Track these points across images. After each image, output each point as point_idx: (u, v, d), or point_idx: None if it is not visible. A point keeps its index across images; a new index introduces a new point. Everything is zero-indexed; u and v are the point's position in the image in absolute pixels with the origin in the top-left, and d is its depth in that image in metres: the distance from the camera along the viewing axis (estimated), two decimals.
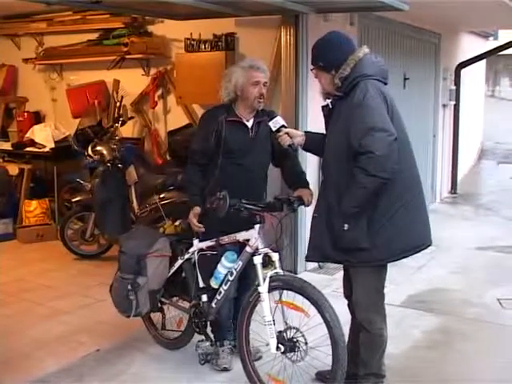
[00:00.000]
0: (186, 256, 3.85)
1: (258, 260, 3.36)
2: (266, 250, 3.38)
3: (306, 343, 3.27)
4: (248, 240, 3.44)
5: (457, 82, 9.97)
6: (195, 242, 3.79)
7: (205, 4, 5.29)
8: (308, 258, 3.40)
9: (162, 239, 3.92)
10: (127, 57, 7.02)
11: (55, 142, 7.53)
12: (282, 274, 3.36)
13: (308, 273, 5.82)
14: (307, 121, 5.85)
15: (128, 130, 7.36)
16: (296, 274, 5.72)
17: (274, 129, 3.49)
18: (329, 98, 3.31)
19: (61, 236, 6.47)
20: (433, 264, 6.46)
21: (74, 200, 6.48)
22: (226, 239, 3.57)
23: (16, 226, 7.42)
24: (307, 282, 3.26)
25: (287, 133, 3.46)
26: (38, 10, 7.72)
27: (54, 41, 8.10)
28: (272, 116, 3.53)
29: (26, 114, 7.98)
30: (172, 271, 3.94)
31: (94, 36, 7.53)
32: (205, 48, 6.59)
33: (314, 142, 3.51)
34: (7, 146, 7.85)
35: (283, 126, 3.48)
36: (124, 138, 6.98)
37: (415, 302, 5.27)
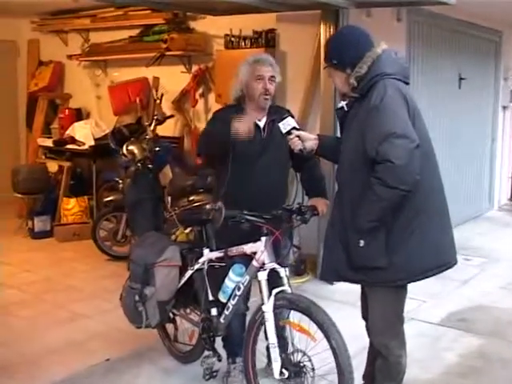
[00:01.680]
0: (196, 266, 3.59)
1: (262, 276, 3.08)
2: (273, 264, 3.10)
3: (314, 369, 2.97)
4: (255, 253, 3.17)
5: None
6: (205, 251, 3.53)
7: None
8: (322, 277, 3.10)
9: (171, 247, 3.68)
10: (167, 53, 6.84)
11: (95, 140, 7.41)
12: (289, 292, 3.07)
13: None
14: None
15: (169, 129, 7.19)
16: None
17: (283, 131, 3.18)
18: (344, 100, 3.00)
19: (93, 236, 6.35)
20: (481, 277, 6.01)
21: (105, 200, 6.35)
22: (234, 250, 3.30)
23: (54, 223, 7.36)
24: (314, 303, 2.96)
25: (298, 136, 3.15)
26: (83, 6, 7.67)
27: (99, 37, 8.03)
28: (283, 116, 3.23)
29: (67, 110, 7.92)
30: (182, 282, 3.70)
31: (136, 32, 7.40)
32: (245, 45, 6.37)
33: (328, 147, 3.20)
34: (49, 142, 7.78)
35: (294, 128, 3.17)
36: (163, 136, 6.81)
37: (455, 320, 4.85)
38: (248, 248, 3.21)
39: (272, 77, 3.46)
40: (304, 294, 5.46)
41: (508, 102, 9.08)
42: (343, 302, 4.90)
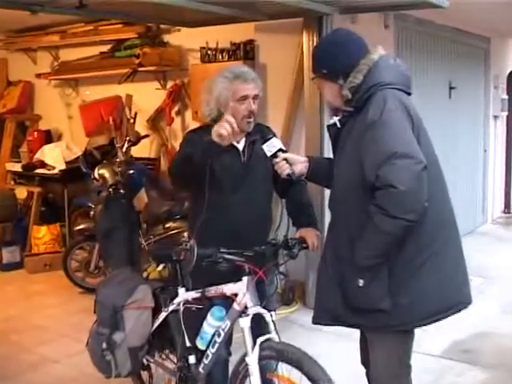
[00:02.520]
0: (171, 308, 3.15)
1: (244, 323, 2.63)
2: (257, 309, 2.66)
3: None
4: (236, 295, 2.73)
5: (509, 91, 9.03)
6: (180, 291, 3.09)
7: (212, 7, 4.67)
8: (315, 320, 2.67)
9: (142, 287, 3.23)
10: (140, 69, 6.42)
11: (66, 163, 6.97)
12: (276, 340, 2.63)
13: None
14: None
15: (144, 150, 6.78)
16: None
17: (268, 154, 2.77)
18: (337, 115, 2.59)
19: (64, 267, 5.88)
20: (481, 300, 5.56)
21: (76, 228, 5.89)
22: (212, 291, 2.86)
23: (24, 253, 6.88)
24: (306, 355, 2.52)
25: (285, 159, 2.75)
26: (50, 22, 7.25)
27: (69, 54, 7.63)
28: (266, 137, 2.82)
29: (36, 133, 7.47)
30: (156, 325, 3.25)
31: (107, 48, 6.99)
32: (222, 58, 5.97)
33: (320, 171, 2.80)
34: (18, 167, 7.32)
35: (280, 149, 2.77)
36: (138, 158, 6.40)
37: (459, 350, 4.44)
38: (228, 289, 2.77)
39: (256, 95, 3.04)
40: (293, 325, 5.16)
41: (499, 111, 8.74)
42: (337, 333, 4.44)
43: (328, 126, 2.64)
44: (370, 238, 2.35)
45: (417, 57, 6.58)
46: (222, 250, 2.63)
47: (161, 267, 3.45)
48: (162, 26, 6.54)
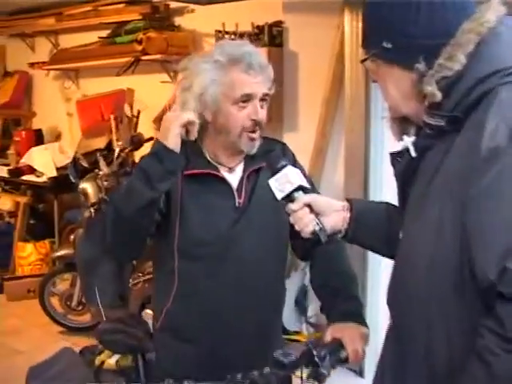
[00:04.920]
0: None
1: None
2: None
3: None
4: None
5: None
6: None
7: None
8: None
9: None
10: (143, 58, 5.26)
11: (57, 169, 5.84)
12: None
13: None
14: (383, 156, 3.84)
15: None
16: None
17: (279, 195, 1.60)
18: (406, 133, 1.38)
19: (40, 301, 4.76)
20: None
21: (55, 255, 4.76)
22: None
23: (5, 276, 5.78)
24: None
25: (309, 205, 1.57)
26: (46, 2, 6.16)
27: (69, 41, 6.49)
28: (276, 166, 1.62)
29: (24, 132, 6.33)
30: None
31: (107, 33, 5.84)
32: None
33: (369, 227, 1.63)
34: (5, 172, 6.21)
35: (301, 188, 1.59)
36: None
37: None
38: None
39: (266, 95, 1.88)
40: None
41: None
42: None
43: (392, 155, 1.43)
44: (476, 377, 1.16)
45: None
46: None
47: (115, 359, 2.29)
48: (171, 6, 5.38)
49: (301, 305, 4.19)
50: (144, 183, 1.70)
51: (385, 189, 3.80)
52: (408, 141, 1.36)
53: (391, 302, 1.46)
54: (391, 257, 1.58)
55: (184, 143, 1.77)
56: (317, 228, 1.56)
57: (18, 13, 6.74)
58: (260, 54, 1.89)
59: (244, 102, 1.82)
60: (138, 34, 5.25)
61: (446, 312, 1.23)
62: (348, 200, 1.67)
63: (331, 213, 1.61)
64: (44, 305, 4.76)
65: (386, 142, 3.78)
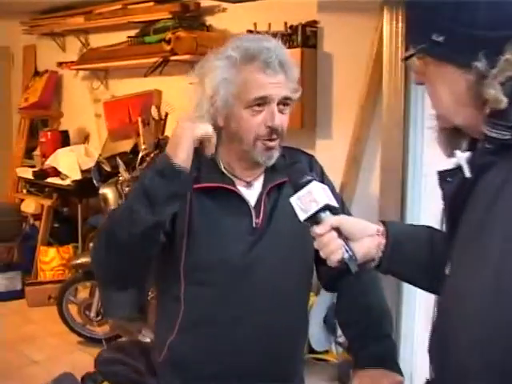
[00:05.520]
0: None
1: None
2: None
3: None
4: None
5: None
6: None
7: None
8: None
9: None
10: (172, 58, 5.05)
11: (82, 172, 5.66)
12: None
13: None
14: (422, 170, 3.55)
15: None
16: None
17: (302, 217, 1.36)
18: (458, 147, 1.13)
19: (58, 310, 4.58)
20: None
21: (72, 263, 4.57)
22: None
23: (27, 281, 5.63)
24: None
25: (337, 228, 1.35)
26: (75, 1, 6.03)
27: (99, 40, 6.35)
28: (299, 181, 1.38)
29: (49, 133, 6.17)
30: None
31: (136, 32, 5.66)
32: None
33: (408, 256, 1.39)
34: (30, 173, 6.06)
35: (327, 208, 1.35)
36: None
37: None
38: None
39: (288, 99, 1.65)
40: None
41: None
42: None
43: (441, 175, 1.17)
44: None
45: None
46: None
47: None
48: (202, 5, 5.18)
49: (330, 323, 3.91)
50: (146, 206, 1.47)
51: (424, 204, 3.52)
52: (461, 157, 1.10)
53: (433, 353, 1.20)
54: (432, 291, 1.33)
55: (195, 150, 1.54)
56: (346, 256, 1.32)
57: (48, 12, 6.62)
58: (283, 51, 1.65)
59: (259, 105, 1.59)
60: (167, 33, 5.06)
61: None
62: (383, 222, 1.41)
63: (363, 238, 1.36)
64: (62, 313, 4.57)
65: (426, 153, 3.50)
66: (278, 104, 1.61)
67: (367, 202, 3.77)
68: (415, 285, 1.47)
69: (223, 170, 1.68)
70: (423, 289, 1.45)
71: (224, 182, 1.66)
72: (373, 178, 3.86)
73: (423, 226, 1.50)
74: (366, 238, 1.37)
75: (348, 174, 3.99)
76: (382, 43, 3.79)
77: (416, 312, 3.56)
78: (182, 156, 1.49)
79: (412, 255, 1.38)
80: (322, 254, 1.34)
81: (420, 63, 1.13)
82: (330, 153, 4.02)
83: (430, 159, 3.46)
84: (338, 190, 3.73)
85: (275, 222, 1.64)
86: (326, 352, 4.13)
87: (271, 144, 1.62)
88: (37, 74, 7.27)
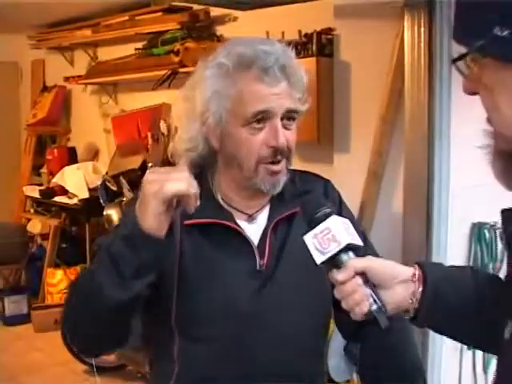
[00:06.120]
0: None
1: None
2: None
3: None
4: None
5: None
6: None
7: None
8: None
9: None
10: (180, 70, 4.83)
11: (90, 190, 5.44)
12: None
13: None
14: (450, 190, 3.25)
15: None
16: None
17: (319, 259, 1.10)
18: None
19: (62, 335, 4.32)
20: None
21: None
22: None
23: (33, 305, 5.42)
24: None
25: (362, 273, 1.09)
26: (83, 12, 5.84)
27: (107, 54, 6.17)
28: (317, 212, 1.12)
29: (56, 150, 5.96)
30: None
31: (144, 44, 5.46)
32: None
33: (451, 306, 1.12)
34: (37, 192, 5.86)
35: (349, 248, 1.09)
36: None
37: None
38: None
39: (293, 112, 1.37)
40: None
41: None
42: None
43: (506, 214, 0.90)
44: None
45: None
46: None
47: None
48: (212, 14, 4.96)
49: (351, 353, 3.64)
50: (112, 277, 1.19)
51: (452, 224, 3.23)
52: None
53: None
54: (481, 348, 1.06)
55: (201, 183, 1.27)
56: (374, 308, 1.07)
57: (55, 25, 6.46)
58: (286, 54, 1.36)
59: (259, 121, 1.32)
60: (175, 44, 4.85)
61: None
62: (419, 265, 1.15)
63: (395, 284, 1.11)
64: (66, 340, 4.33)
65: (453, 168, 3.22)
66: (281, 119, 1.33)
67: (389, 222, 3.49)
68: (460, 341, 1.20)
69: (220, 201, 1.41)
70: (469, 345, 1.19)
71: (221, 216, 1.39)
72: (395, 196, 3.59)
73: (465, 267, 1.24)
74: (399, 284, 1.11)
75: (368, 190, 3.71)
76: (404, 50, 3.52)
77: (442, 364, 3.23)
78: (149, 222, 1.18)
79: (456, 306, 1.12)
80: (345, 306, 1.08)
81: (473, 66, 0.86)
82: (349, 168, 3.76)
83: (458, 175, 3.18)
84: (357, 208, 3.52)
85: (284, 263, 1.37)
86: (348, 382, 3.86)
87: (276, 168, 1.34)
88: (45, 89, 7.11)
